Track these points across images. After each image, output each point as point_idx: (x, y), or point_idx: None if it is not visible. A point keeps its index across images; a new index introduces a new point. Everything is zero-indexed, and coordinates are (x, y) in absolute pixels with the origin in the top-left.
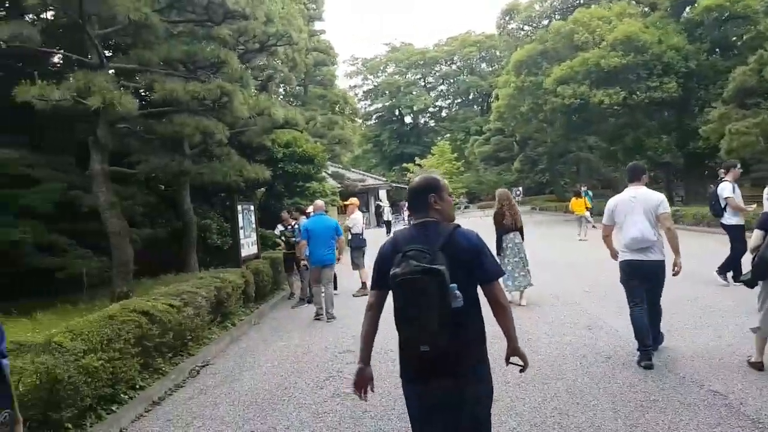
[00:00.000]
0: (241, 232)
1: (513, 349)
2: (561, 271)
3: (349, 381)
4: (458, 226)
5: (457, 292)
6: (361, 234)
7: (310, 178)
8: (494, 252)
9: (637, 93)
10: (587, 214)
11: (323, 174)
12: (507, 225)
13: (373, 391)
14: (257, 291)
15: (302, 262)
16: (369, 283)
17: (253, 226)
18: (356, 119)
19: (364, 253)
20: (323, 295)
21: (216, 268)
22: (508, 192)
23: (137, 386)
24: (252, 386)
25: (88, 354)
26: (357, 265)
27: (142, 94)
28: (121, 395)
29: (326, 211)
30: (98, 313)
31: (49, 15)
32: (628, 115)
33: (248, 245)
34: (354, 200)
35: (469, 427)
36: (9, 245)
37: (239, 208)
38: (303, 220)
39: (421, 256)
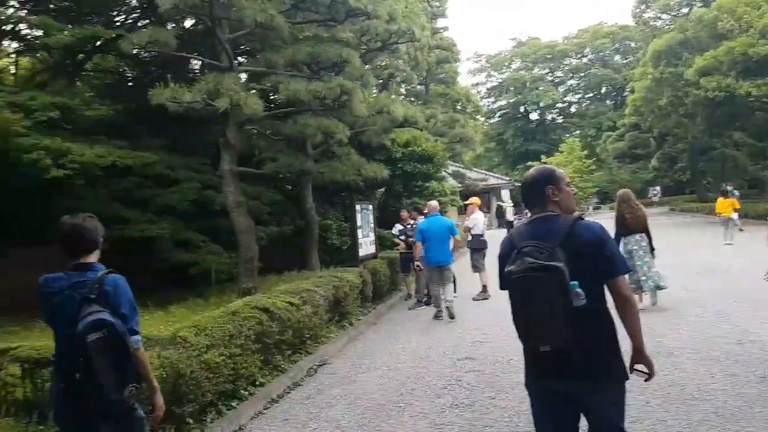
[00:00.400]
0: (359, 231)
1: (638, 353)
2: (706, 277)
3: (469, 390)
4: (580, 218)
5: (579, 290)
6: (482, 235)
7: (429, 178)
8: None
9: None
10: (735, 216)
11: (443, 173)
12: (629, 227)
13: None
14: (375, 291)
15: (416, 263)
16: (489, 286)
17: (371, 225)
18: (478, 117)
19: (484, 255)
20: (443, 295)
21: (335, 267)
22: (629, 192)
23: (257, 383)
24: (368, 389)
25: (211, 349)
26: (477, 267)
27: (269, 96)
28: (242, 391)
29: (444, 212)
30: (222, 309)
31: (187, 24)
32: None
33: (366, 245)
34: (475, 200)
35: None
36: (149, 241)
37: (358, 207)
38: (421, 220)
39: (537, 252)
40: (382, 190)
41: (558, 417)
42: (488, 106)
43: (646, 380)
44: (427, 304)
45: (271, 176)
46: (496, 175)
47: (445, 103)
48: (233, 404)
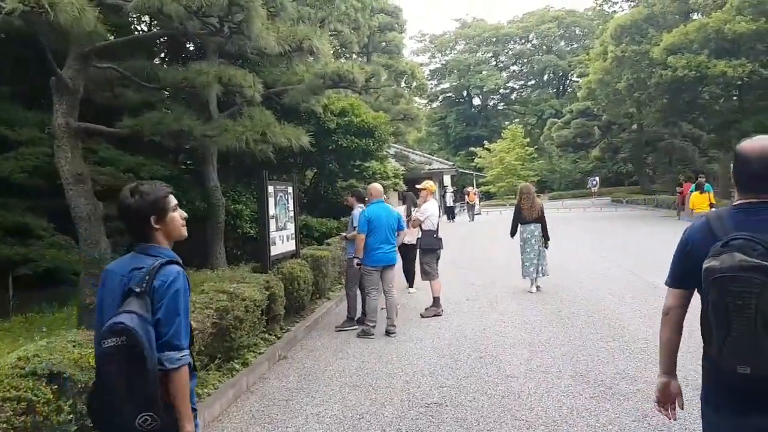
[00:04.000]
0: (272, 222)
1: None
2: None
3: None
4: None
5: None
6: (436, 231)
7: (369, 156)
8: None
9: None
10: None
11: (385, 152)
12: (525, 217)
13: (681, 408)
14: (290, 304)
15: (356, 262)
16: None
17: (291, 214)
18: (423, 96)
19: (438, 258)
20: (384, 303)
21: (247, 264)
22: (530, 186)
23: None
24: None
25: None
26: (428, 273)
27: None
28: None
29: (387, 198)
30: None
31: None
32: (745, 94)
33: (282, 240)
34: (429, 184)
35: None
36: None
37: (270, 189)
38: (359, 208)
39: (750, 247)
40: (314, 171)
41: None
42: (432, 88)
43: None
44: (360, 322)
45: (162, 145)
46: (440, 159)
47: (389, 76)
48: None
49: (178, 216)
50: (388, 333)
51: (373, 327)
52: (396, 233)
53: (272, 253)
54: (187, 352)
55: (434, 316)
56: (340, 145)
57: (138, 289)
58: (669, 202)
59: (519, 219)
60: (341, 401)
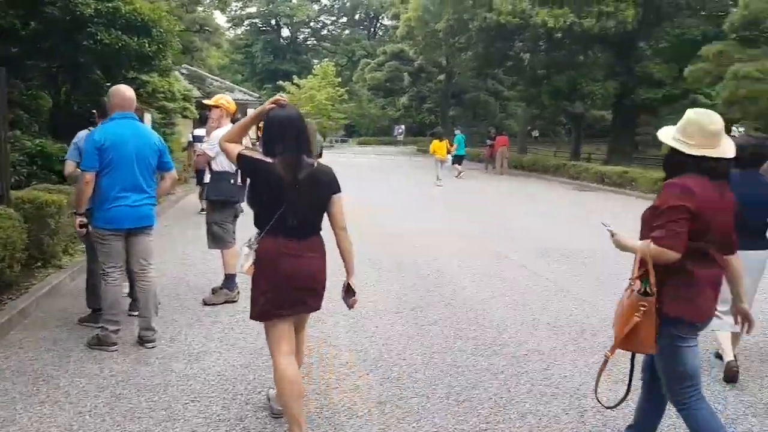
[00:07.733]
0: None
1: None
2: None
3: None
4: None
5: None
6: (233, 175)
7: (146, 64)
8: None
9: (586, 19)
10: (449, 157)
11: (170, 61)
12: None
13: None
14: None
15: (78, 222)
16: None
17: None
18: (225, 13)
19: (237, 215)
20: (132, 290)
21: None
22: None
23: None
24: None
25: None
26: (219, 239)
27: None
28: None
29: (173, 125)
30: None
31: None
32: (552, 50)
33: None
34: (225, 100)
35: None
36: None
37: None
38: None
39: None
40: (72, 80)
41: None
42: (236, 11)
43: None
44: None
45: None
46: (244, 89)
47: None
48: None
49: None
50: (142, 341)
51: (115, 332)
52: (157, 175)
53: None
54: None
55: (226, 302)
56: (102, 42)
57: None
58: (474, 154)
59: None
60: None
